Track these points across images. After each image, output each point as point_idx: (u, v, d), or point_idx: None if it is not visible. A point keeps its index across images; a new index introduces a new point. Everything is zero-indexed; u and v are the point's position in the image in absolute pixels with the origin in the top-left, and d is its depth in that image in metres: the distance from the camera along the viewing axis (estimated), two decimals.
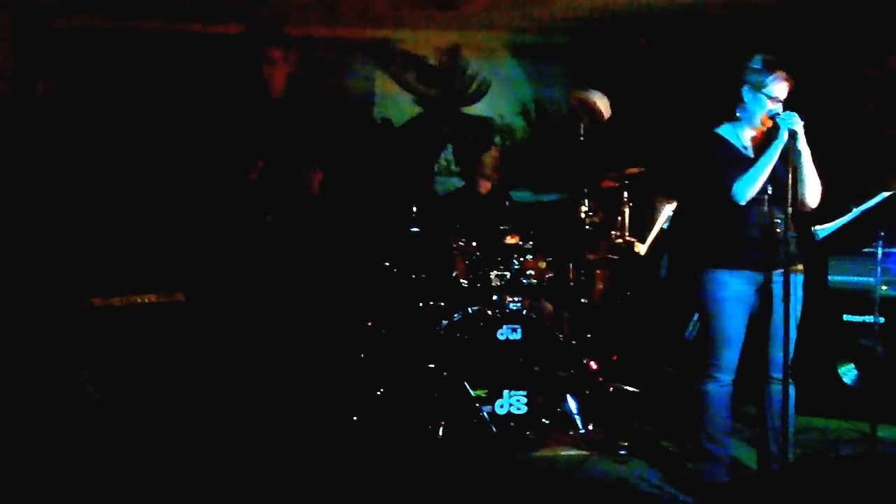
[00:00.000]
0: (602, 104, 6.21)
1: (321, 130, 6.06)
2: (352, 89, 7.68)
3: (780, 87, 4.38)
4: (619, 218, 6.14)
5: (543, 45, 7.89)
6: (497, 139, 7.76)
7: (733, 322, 4.48)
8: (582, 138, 6.16)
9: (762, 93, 4.39)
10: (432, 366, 5.41)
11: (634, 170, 6.07)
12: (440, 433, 5.24)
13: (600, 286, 6.38)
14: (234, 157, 5.61)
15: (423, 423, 5.30)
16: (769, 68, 4.39)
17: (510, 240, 5.77)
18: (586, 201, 6.06)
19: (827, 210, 4.79)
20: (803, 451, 5.15)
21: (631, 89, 7.06)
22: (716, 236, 4.51)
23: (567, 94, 7.17)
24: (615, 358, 6.18)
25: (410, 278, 5.86)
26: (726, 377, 4.52)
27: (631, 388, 5.96)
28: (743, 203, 4.38)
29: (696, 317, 5.95)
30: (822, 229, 4.80)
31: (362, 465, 4.98)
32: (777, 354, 4.42)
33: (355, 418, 5.49)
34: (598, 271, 6.37)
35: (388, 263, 5.91)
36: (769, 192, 4.39)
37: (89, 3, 6.57)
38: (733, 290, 4.46)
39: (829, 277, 6.00)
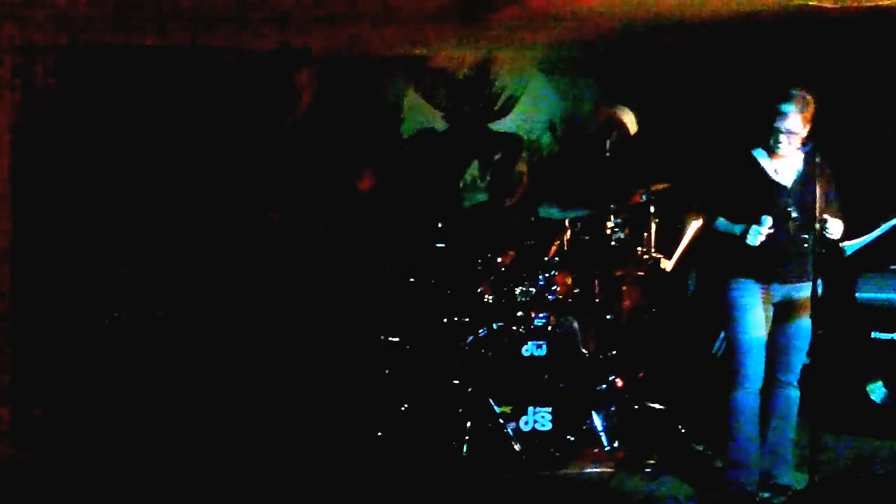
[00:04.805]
0: (629, 120, 6.21)
1: (349, 146, 6.11)
2: (381, 105, 7.71)
3: (797, 121, 4.50)
4: (646, 234, 6.11)
5: (570, 62, 7.89)
6: (524, 154, 7.75)
7: (755, 331, 4.64)
8: (609, 154, 6.15)
9: (783, 125, 4.51)
10: (457, 382, 5.41)
11: (661, 185, 6.05)
12: (464, 450, 5.24)
13: (627, 302, 6.34)
14: (253, 175, 5.70)
15: (447, 440, 5.29)
16: (794, 106, 4.50)
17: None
18: (613, 217, 6.05)
19: (855, 226, 4.76)
20: (833, 469, 5.10)
21: (658, 105, 7.04)
22: (739, 247, 4.60)
23: (594, 110, 7.17)
24: (642, 375, 6.13)
25: (435, 293, 5.85)
26: (752, 385, 4.65)
27: (658, 406, 5.91)
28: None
29: (724, 333, 5.91)
30: (851, 245, 4.78)
31: (387, 481, 4.98)
32: (791, 360, 4.67)
33: (380, 434, 5.49)
34: (624, 287, 6.33)
35: (413, 278, 5.92)
36: (794, 215, 4.51)
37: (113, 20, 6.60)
38: (756, 299, 4.63)
39: (858, 294, 5.94)
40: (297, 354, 5.70)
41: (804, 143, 4.53)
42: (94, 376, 5.52)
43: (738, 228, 4.58)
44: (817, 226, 4.37)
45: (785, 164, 4.66)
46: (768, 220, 4.47)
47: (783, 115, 4.50)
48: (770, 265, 4.59)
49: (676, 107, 7.42)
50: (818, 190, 4.39)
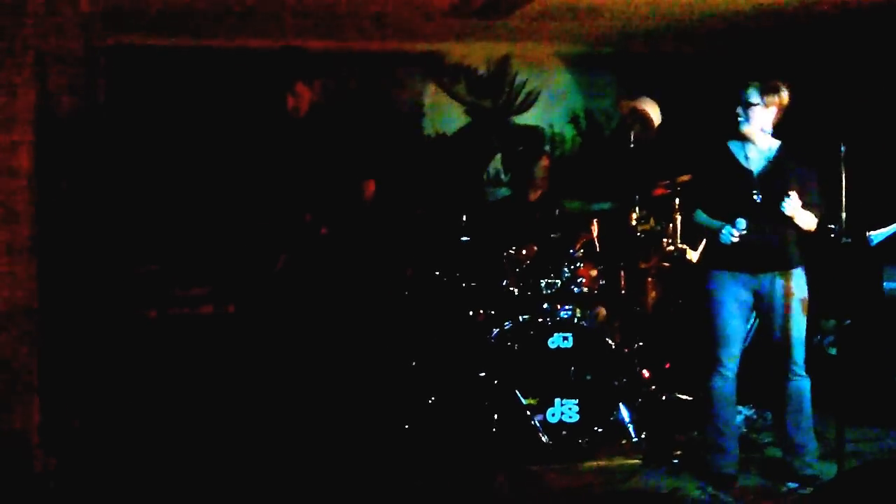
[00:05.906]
0: (653, 112, 6.20)
1: (370, 142, 6.12)
2: (402, 101, 7.73)
3: (767, 111, 4.65)
4: (671, 225, 6.11)
5: (593, 55, 7.90)
6: (546, 148, 7.76)
7: (731, 320, 4.78)
8: (632, 146, 6.15)
9: (751, 113, 4.66)
10: (483, 374, 5.43)
11: (685, 177, 6.03)
12: (491, 442, 5.25)
13: (652, 294, 6.34)
14: (262, 173, 5.73)
15: (474, 432, 5.31)
16: (758, 90, 4.65)
17: None
18: (637, 209, 6.05)
19: (881, 215, 4.75)
20: (861, 461, 5.08)
21: (681, 98, 7.02)
22: (715, 238, 4.74)
23: (617, 103, 7.17)
24: (668, 366, 6.13)
25: (461, 287, 5.87)
26: (730, 372, 4.83)
27: (684, 397, 5.91)
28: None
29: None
30: (877, 235, 4.74)
31: (414, 473, 5.01)
32: (790, 351, 4.72)
33: (407, 427, 5.51)
34: (649, 279, 6.33)
35: (438, 272, 5.93)
36: (758, 200, 4.63)
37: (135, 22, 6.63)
38: (731, 289, 4.77)
39: (885, 284, 5.92)
40: (324, 348, 5.72)
41: (774, 127, 4.67)
42: (124, 378, 5.55)
43: (716, 224, 4.69)
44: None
45: (755, 152, 4.74)
46: (742, 223, 4.55)
47: (746, 93, 4.65)
48: (741, 255, 4.66)
49: (699, 98, 7.41)
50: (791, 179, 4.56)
